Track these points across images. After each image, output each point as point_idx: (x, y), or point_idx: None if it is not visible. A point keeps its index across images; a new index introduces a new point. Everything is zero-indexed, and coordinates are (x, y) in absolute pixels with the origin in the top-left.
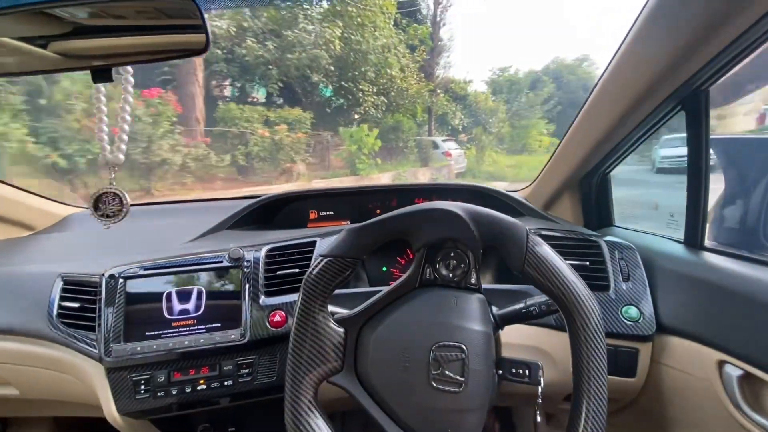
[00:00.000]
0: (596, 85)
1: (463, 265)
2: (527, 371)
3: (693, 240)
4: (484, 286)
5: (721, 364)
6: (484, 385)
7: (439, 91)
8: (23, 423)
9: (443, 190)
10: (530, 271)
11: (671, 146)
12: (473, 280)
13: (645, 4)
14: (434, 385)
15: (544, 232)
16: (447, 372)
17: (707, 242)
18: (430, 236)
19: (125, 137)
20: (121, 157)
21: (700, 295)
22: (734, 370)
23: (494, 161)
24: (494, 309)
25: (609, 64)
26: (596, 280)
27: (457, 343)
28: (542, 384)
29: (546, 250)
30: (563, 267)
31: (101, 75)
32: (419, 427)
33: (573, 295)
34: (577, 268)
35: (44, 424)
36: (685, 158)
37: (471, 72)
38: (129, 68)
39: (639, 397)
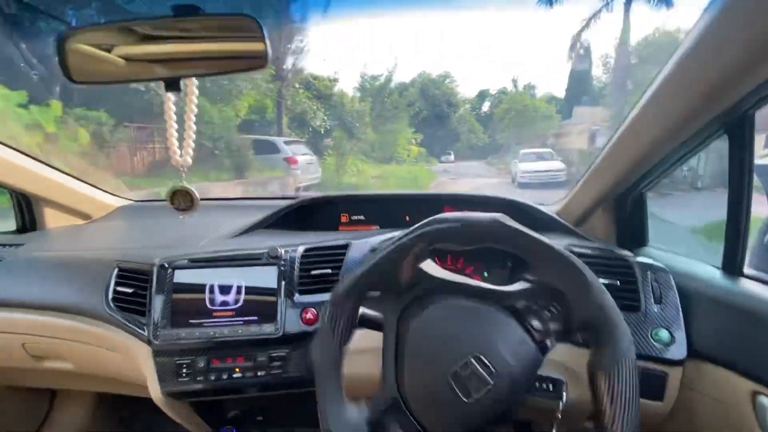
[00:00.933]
0: (639, 101)
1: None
2: (551, 386)
3: (731, 266)
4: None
5: (755, 395)
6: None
7: (297, 85)
8: (70, 395)
9: (475, 201)
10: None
11: (528, 161)
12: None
13: (694, 25)
14: (450, 381)
15: (574, 249)
16: (465, 379)
17: (746, 270)
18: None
19: (192, 143)
20: (189, 159)
21: (737, 322)
22: None
23: (359, 171)
24: None
25: (653, 83)
26: (626, 300)
27: (490, 366)
28: (564, 400)
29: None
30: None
31: (172, 85)
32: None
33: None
34: (606, 287)
35: (88, 398)
36: (545, 173)
37: (340, 73)
38: (194, 80)
39: (667, 423)
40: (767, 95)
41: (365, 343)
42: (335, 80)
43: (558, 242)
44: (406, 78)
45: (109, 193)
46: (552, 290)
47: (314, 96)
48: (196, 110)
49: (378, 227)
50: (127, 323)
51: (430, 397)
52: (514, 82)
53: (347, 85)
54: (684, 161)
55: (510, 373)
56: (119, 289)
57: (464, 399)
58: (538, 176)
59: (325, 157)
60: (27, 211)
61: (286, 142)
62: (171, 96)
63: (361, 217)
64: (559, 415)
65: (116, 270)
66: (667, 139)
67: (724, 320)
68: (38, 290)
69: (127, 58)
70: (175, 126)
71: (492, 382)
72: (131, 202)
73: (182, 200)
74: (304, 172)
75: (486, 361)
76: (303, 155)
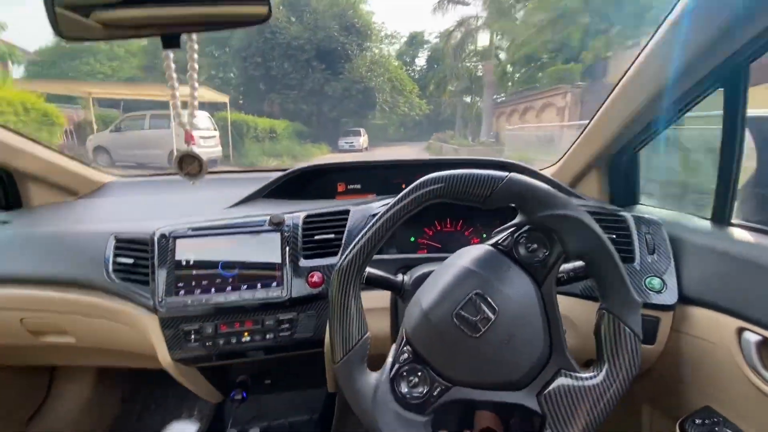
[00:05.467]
0: (633, 62)
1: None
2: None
3: (721, 216)
4: None
5: (740, 331)
6: (501, 344)
7: None
8: (70, 372)
9: (471, 164)
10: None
11: None
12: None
13: None
14: (455, 321)
15: None
16: (467, 315)
17: (734, 219)
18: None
19: (196, 103)
20: (195, 122)
21: (724, 267)
22: (752, 336)
23: None
24: None
25: (648, 42)
26: (622, 252)
27: (491, 301)
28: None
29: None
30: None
31: (170, 41)
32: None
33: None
34: None
35: (88, 375)
36: None
37: None
38: (194, 36)
39: (657, 364)
40: (763, 47)
41: (375, 302)
42: None
43: None
44: None
45: (95, 168)
46: (543, 228)
47: None
48: (197, 68)
49: (375, 195)
50: (132, 293)
51: (439, 340)
52: None
53: None
54: (679, 118)
55: (511, 307)
56: (119, 260)
57: (472, 335)
58: None
59: None
60: (11, 188)
61: None
62: (170, 55)
63: (357, 186)
64: None
65: (113, 242)
66: (663, 97)
67: (713, 266)
68: (34, 265)
69: (119, 22)
70: (177, 86)
71: (494, 317)
72: (118, 178)
73: (190, 165)
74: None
75: (487, 297)
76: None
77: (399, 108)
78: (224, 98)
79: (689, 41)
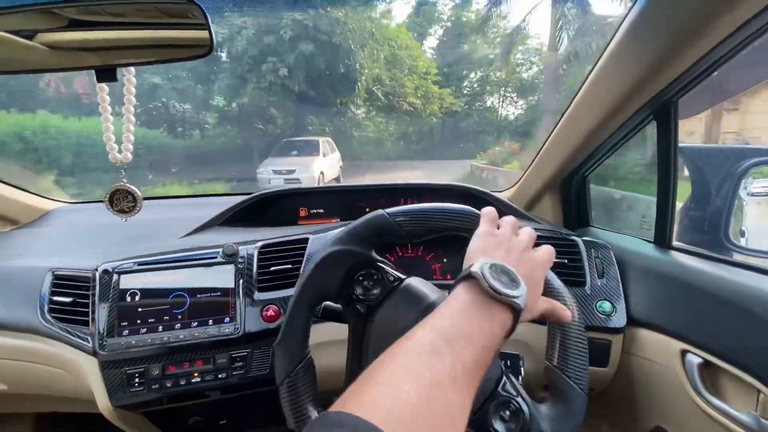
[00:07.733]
0: (578, 92)
1: None
2: (508, 362)
3: (662, 240)
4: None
5: (684, 353)
6: None
7: None
8: (5, 419)
9: (431, 190)
10: None
11: None
12: None
13: (622, 22)
14: None
15: None
16: None
17: (675, 242)
18: None
19: (131, 137)
20: (129, 156)
21: (667, 290)
22: (695, 358)
23: None
24: None
25: (589, 75)
26: (573, 276)
27: None
28: (523, 374)
29: None
30: None
31: (105, 74)
32: None
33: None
34: (555, 266)
35: (27, 420)
36: None
37: None
38: (131, 69)
39: (610, 386)
40: (689, 83)
41: (331, 335)
42: None
43: None
44: None
45: (40, 195)
46: None
47: None
48: (135, 101)
49: (338, 220)
50: (68, 335)
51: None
52: None
53: None
54: (620, 146)
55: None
56: (56, 299)
57: None
58: None
59: None
60: None
61: None
62: (105, 87)
63: (321, 211)
64: (522, 389)
65: (51, 278)
66: (603, 126)
67: (656, 289)
68: None
69: (53, 47)
70: (111, 119)
71: None
72: (66, 204)
73: (123, 201)
74: None
75: None
76: None
77: (405, 98)
78: None
79: (623, 76)
